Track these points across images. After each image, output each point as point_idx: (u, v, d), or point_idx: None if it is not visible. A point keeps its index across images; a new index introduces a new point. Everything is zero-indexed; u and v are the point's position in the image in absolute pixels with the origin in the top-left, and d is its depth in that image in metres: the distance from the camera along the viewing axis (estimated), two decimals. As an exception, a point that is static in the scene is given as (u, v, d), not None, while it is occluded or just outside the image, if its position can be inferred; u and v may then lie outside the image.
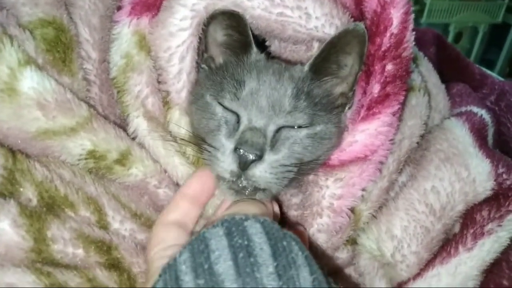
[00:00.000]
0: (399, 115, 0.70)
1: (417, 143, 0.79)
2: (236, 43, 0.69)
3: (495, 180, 0.75)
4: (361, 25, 0.63)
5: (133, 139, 0.70)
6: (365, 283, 0.78)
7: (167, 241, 0.55)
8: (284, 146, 0.62)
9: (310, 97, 0.66)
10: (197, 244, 0.43)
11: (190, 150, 0.69)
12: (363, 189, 0.69)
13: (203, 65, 0.73)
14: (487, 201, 0.75)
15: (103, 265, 0.63)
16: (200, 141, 0.65)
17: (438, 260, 0.72)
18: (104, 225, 0.65)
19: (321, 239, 0.70)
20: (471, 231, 0.72)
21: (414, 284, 0.72)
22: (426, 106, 0.81)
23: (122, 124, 0.72)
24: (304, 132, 0.64)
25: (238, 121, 0.63)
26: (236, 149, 0.59)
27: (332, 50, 0.66)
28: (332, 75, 0.68)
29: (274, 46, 0.74)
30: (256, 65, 0.68)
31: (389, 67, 0.65)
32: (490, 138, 0.88)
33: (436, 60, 1.19)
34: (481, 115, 0.88)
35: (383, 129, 0.67)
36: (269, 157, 0.60)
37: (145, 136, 0.69)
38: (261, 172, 0.59)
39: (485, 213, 0.73)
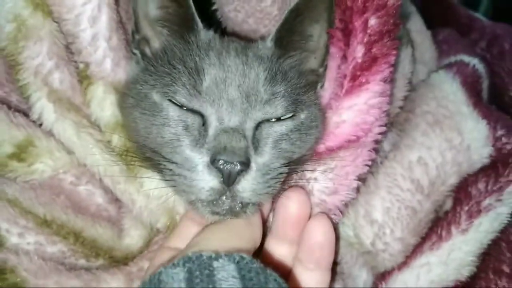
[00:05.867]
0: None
1: (400, 107, 0.66)
2: (174, 18, 0.54)
3: (493, 145, 0.63)
4: None
5: (40, 126, 0.55)
6: (343, 272, 0.67)
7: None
8: (269, 146, 0.49)
9: (286, 79, 0.52)
10: None
11: (116, 139, 0.55)
12: (359, 178, 0.56)
13: (135, 51, 0.57)
14: (483, 170, 0.63)
15: None
16: (154, 155, 0.50)
17: (427, 245, 0.61)
18: None
19: None
20: (466, 208, 0.60)
21: (399, 275, 0.61)
22: (410, 60, 0.67)
23: (26, 108, 0.57)
24: (288, 124, 0.51)
25: (203, 123, 0.49)
26: (214, 161, 0.45)
27: (296, 18, 0.53)
28: (298, 49, 0.56)
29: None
30: (210, 45, 0.53)
31: (373, 21, 0.51)
32: (485, 93, 0.75)
33: (418, 1, 1.03)
34: (474, 65, 0.74)
35: (374, 101, 0.53)
36: (256, 162, 0.47)
37: (53, 122, 0.54)
38: (252, 184, 0.46)
39: (481, 185, 0.61)
